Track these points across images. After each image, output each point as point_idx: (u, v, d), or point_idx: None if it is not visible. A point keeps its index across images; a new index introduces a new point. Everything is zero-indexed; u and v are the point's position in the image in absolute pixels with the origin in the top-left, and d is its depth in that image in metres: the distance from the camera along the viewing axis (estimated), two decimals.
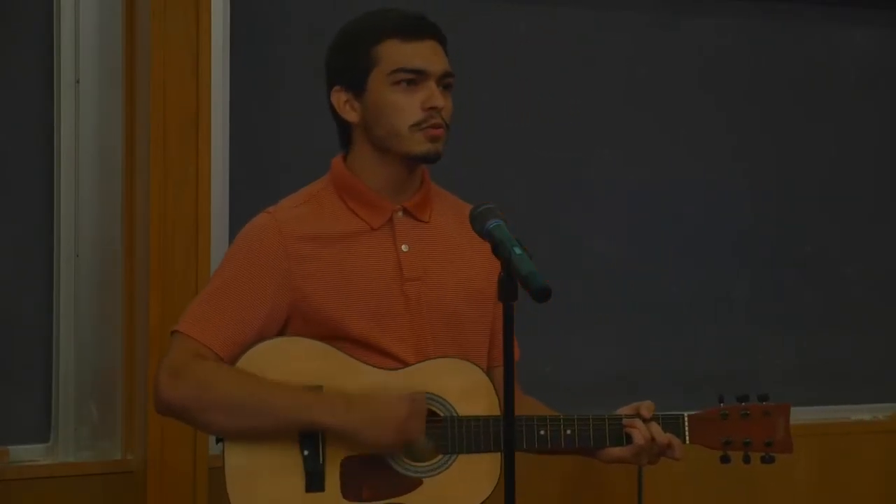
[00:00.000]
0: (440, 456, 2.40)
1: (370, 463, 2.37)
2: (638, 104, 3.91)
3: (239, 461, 2.36)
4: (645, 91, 3.91)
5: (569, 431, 2.44)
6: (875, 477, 4.07)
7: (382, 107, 2.44)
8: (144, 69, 3.29)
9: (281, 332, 2.45)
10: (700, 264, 3.99)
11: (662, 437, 2.45)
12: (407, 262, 2.46)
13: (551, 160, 3.82)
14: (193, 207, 3.29)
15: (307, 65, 3.50)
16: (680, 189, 3.96)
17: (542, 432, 2.43)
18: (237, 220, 3.36)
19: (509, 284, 2.14)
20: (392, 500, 2.38)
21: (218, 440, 2.41)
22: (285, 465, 2.36)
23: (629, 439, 2.45)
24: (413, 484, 2.39)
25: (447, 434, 2.39)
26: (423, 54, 2.44)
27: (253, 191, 3.46)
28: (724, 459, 2.51)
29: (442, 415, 2.40)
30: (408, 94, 2.43)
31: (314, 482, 2.36)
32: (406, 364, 2.42)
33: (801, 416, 2.56)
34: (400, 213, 2.49)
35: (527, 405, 2.58)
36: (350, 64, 2.46)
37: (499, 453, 2.37)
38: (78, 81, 3.36)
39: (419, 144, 2.43)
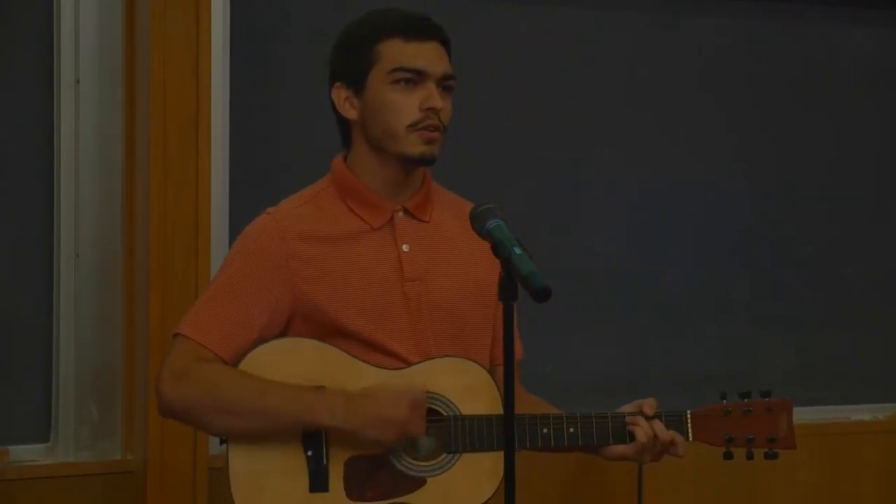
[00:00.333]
0: (443, 455, 2.40)
1: (374, 463, 2.37)
2: (638, 104, 3.91)
3: (242, 462, 2.36)
4: (645, 91, 3.91)
5: (572, 429, 2.44)
6: (875, 477, 4.07)
7: (381, 105, 2.44)
8: (144, 69, 3.29)
9: (282, 333, 2.45)
10: (700, 264, 3.99)
11: (665, 434, 2.45)
12: (408, 262, 2.46)
13: (551, 160, 3.82)
14: (193, 207, 3.29)
15: (307, 65, 3.51)
16: (680, 189, 3.96)
17: (545, 430, 2.43)
18: (237, 220, 3.36)
19: (509, 284, 2.14)
20: (396, 500, 2.38)
21: (222, 441, 2.41)
22: (289, 466, 2.36)
23: (632, 437, 2.45)
24: (417, 483, 2.38)
25: (450, 433, 2.39)
26: (425, 55, 2.44)
27: (253, 191, 3.46)
28: (727, 456, 2.50)
29: (445, 414, 2.40)
30: (406, 94, 2.43)
31: (318, 482, 2.36)
32: (408, 363, 2.42)
33: (801, 416, 2.55)
34: (400, 213, 2.49)
35: (531, 404, 2.58)
36: (351, 61, 2.46)
37: (502, 452, 2.37)
38: (78, 81, 3.36)
39: (414, 146, 2.43)
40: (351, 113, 2.48)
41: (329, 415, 2.34)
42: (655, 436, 2.44)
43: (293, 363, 2.39)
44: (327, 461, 2.36)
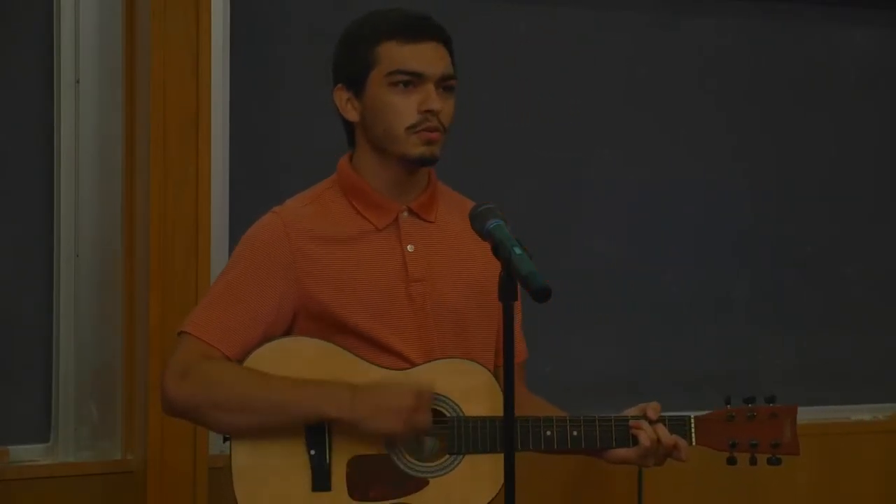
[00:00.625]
0: (446, 456, 2.40)
1: (377, 463, 2.37)
2: (638, 104, 3.91)
3: (245, 460, 2.36)
4: (645, 91, 3.92)
5: (575, 432, 2.44)
6: (875, 477, 4.07)
7: (380, 107, 2.44)
8: (144, 69, 3.29)
9: (287, 331, 2.45)
10: (700, 264, 3.99)
11: (668, 438, 2.44)
12: (412, 262, 2.46)
13: (551, 160, 3.82)
14: (193, 207, 3.29)
15: (307, 65, 3.51)
16: (680, 189, 3.96)
17: (548, 433, 2.43)
18: (237, 220, 3.37)
19: (509, 284, 2.14)
20: (398, 500, 2.37)
21: (225, 439, 2.41)
22: (292, 465, 2.36)
23: (635, 441, 2.45)
24: (419, 484, 2.38)
25: (453, 434, 2.39)
26: (422, 56, 2.43)
27: (253, 191, 3.46)
28: (731, 461, 2.50)
29: (448, 415, 2.40)
30: (405, 96, 2.43)
31: (320, 481, 2.36)
32: (412, 364, 2.42)
33: (801, 416, 2.55)
34: (405, 214, 2.49)
35: (535, 405, 2.58)
36: (351, 63, 2.46)
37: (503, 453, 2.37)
38: (78, 81, 3.36)
39: (414, 147, 2.43)
40: (352, 115, 2.48)
41: (335, 406, 2.34)
42: (659, 440, 2.44)
43: (296, 362, 2.39)
44: (330, 460, 2.36)
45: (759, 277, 4.06)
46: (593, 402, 3.15)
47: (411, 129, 2.42)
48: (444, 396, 2.40)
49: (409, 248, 2.47)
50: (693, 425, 2.49)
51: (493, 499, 2.40)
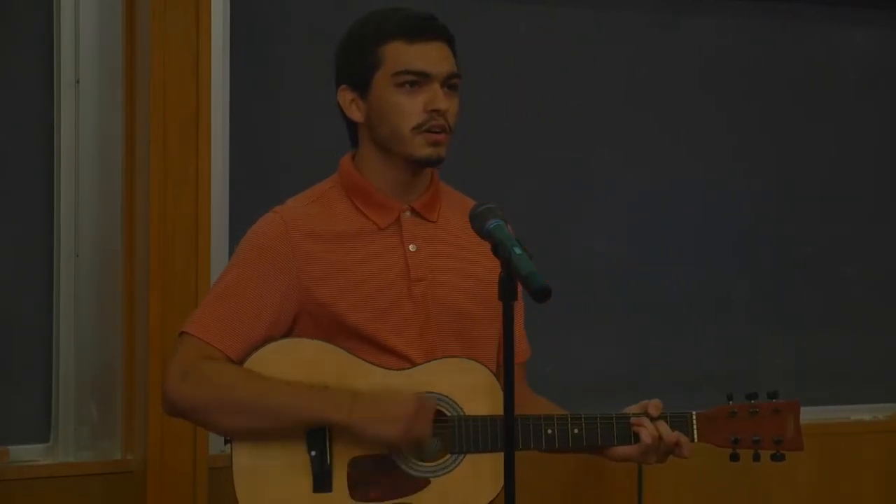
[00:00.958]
0: (447, 456, 2.39)
1: (378, 463, 2.37)
2: (638, 104, 3.91)
3: (246, 462, 2.36)
4: (645, 91, 3.92)
5: (576, 431, 2.44)
6: (875, 477, 4.07)
7: (385, 108, 2.44)
8: (144, 69, 3.29)
9: (289, 331, 2.44)
10: (700, 264, 3.99)
11: (670, 435, 2.44)
12: (414, 262, 2.46)
13: (551, 160, 3.82)
14: (193, 207, 3.29)
15: (307, 65, 3.51)
16: (680, 189, 3.97)
17: (549, 431, 2.42)
18: (237, 220, 3.37)
19: (509, 284, 2.14)
20: (400, 501, 2.37)
21: (226, 441, 2.41)
22: (293, 466, 2.36)
23: (636, 438, 2.45)
24: (420, 484, 2.38)
25: (454, 434, 2.39)
26: (428, 56, 2.43)
27: (253, 191, 3.46)
28: (733, 458, 2.49)
29: (449, 414, 2.40)
30: (411, 96, 2.42)
31: (322, 482, 2.36)
32: (414, 363, 2.42)
33: (801, 416, 2.55)
34: (408, 213, 2.48)
35: (537, 405, 2.58)
36: (355, 64, 2.46)
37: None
38: (78, 81, 3.36)
39: (420, 148, 2.43)
40: (357, 115, 2.48)
41: (335, 411, 2.33)
42: (660, 437, 2.44)
43: (297, 363, 2.38)
44: (331, 461, 2.36)
45: (759, 277, 4.06)
46: (593, 402, 3.14)
47: (417, 129, 2.42)
48: (444, 396, 2.40)
49: (412, 247, 2.47)
50: (695, 422, 2.48)
51: (494, 498, 2.40)
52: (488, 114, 3.68)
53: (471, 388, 2.41)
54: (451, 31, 2.48)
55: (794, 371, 4.04)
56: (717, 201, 4.01)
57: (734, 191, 4.03)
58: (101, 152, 3.39)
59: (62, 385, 3.37)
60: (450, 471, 2.39)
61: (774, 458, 2.49)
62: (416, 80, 2.42)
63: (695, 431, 2.48)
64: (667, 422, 2.46)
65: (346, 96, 2.49)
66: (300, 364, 2.38)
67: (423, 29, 2.44)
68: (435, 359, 2.43)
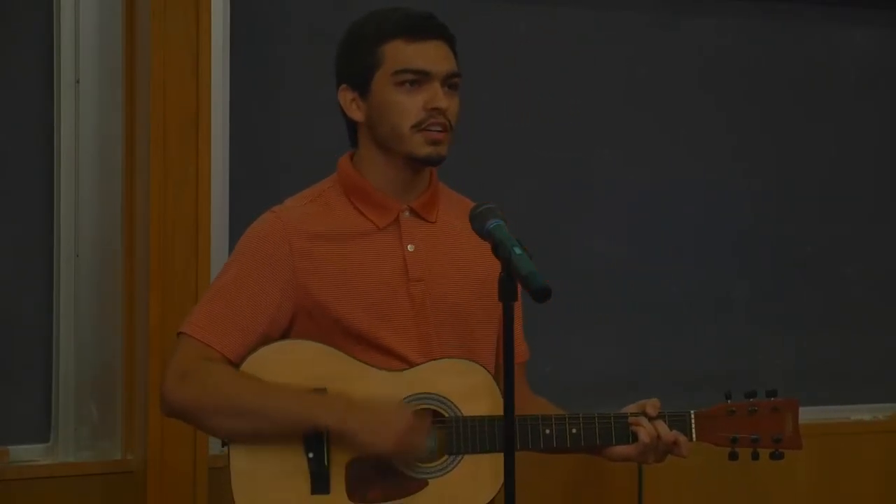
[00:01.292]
0: (445, 457, 2.39)
1: (375, 465, 2.36)
2: (638, 104, 3.91)
3: (244, 464, 2.36)
4: (645, 91, 3.92)
5: (574, 430, 2.44)
6: (875, 477, 4.07)
7: (385, 107, 2.44)
8: (144, 69, 3.29)
9: (287, 332, 2.44)
10: (700, 264, 3.99)
11: (668, 434, 2.44)
12: (413, 262, 2.46)
13: (551, 160, 3.82)
14: (193, 207, 3.29)
15: (307, 65, 3.51)
16: (680, 189, 3.96)
17: (547, 432, 2.42)
18: (237, 220, 3.37)
19: (509, 284, 2.14)
20: (398, 502, 2.37)
21: (223, 444, 2.40)
22: (290, 468, 2.35)
23: (635, 437, 2.45)
24: (418, 485, 2.38)
25: (452, 435, 2.39)
26: (428, 55, 2.43)
27: (253, 191, 3.46)
28: (732, 456, 2.49)
29: (447, 415, 2.40)
30: (411, 95, 2.42)
31: (319, 484, 2.35)
32: (412, 364, 2.42)
33: (801, 416, 2.55)
34: (406, 213, 2.48)
35: (536, 405, 2.58)
36: (355, 63, 2.46)
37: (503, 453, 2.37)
38: (78, 81, 3.36)
39: (420, 147, 2.43)
40: (357, 114, 2.48)
41: (328, 416, 2.33)
42: (659, 436, 2.44)
43: (295, 365, 2.38)
44: (329, 463, 2.36)
45: (759, 277, 4.06)
46: (593, 402, 3.15)
47: (417, 127, 2.42)
48: (442, 397, 2.40)
49: (410, 247, 2.47)
50: (693, 421, 2.48)
51: (492, 499, 2.40)
52: (488, 114, 3.68)
53: (469, 389, 2.41)
54: (451, 30, 2.48)
55: (794, 371, 4.04)
56: (717, 201, 4.01)
57: (734, 191, 4.03)
58: (101, 152, 3.39)
59: (62, 385, 3.37)
60: (448, 472, 2.39)
61: (773, 456, 2.49)
62: (417, 78, 2.42)
63: (693, 430, 2.48)
64: (665, 421, 2.46)
65: (346, 96, 2.49)
66: (298, 365, 2.38)
67: (423, 28, 2.44)
68: (432, 360, 2.43)
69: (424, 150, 2.43)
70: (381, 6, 2.50)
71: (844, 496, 4.03)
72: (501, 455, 2.28)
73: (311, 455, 2.35)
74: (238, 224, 3.17)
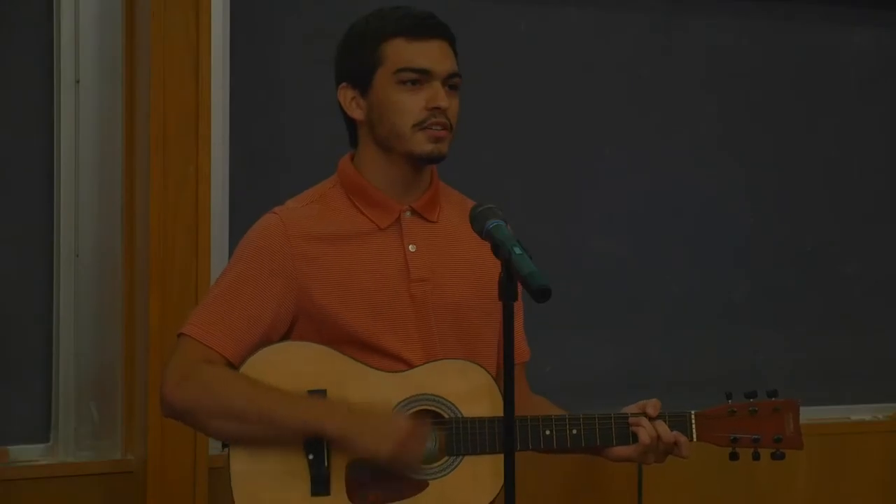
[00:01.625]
0: (446, 458, 2.39)
1: (375, 466, 2.36)
2: (639, 104, 3.91)
3: (244, 466, 2.36)
4: (646, 91, 3.91)
5: (574, 431, 2.43)
6: (875, 477, 4.07)
7: (386, 105, 2.43)
8: (144, 69, 3.29)
9: (288, 333, 2.44)
10: (700, 264, 3.99)
11: (669, 435, 2.44)
12: (414, 262, 2.46)
13: (551, 160, 3.82)
14: (193, 207, 3.29)
15: (307, 65, 3.51)
16: (680, 189, 3.96)
17: (547, 432, 2.42)
18: (237, 220, 3.37)
19: (509, 284, 2.14)
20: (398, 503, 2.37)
21: (224, 445, 2.40)
22: (290, 470, 2.35)
23: (635, 438, 2.45)
24: (419, 486, 2.38)
25: (452, 436, 2.39)
26: (429, 54, 2.43)
27: (253, 191, 3.46)
28: (733, 457, 2.49)
29: (447, 417, 2.40)
30: (412, 94, 2.42)
31: (319, 486, 2.35)
32: (412, 365, 2.41)
33: (801, 416, 2.55)
34: (408, 213, 2.48)
35: (536, 405, 2.58)
36: (356, 62, 2.46)
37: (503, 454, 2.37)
38: (78, 81, 3.35)
39: (421, 145, 2.43)
40: (357, 113, 2.48)
41: (328, 421, 2.33)
42: (659, 437, 2.44)
43: (295, 366, 2.38)
44: (329, 465, 2.35)
45: (759, 277, 4.05)
46: (593, 403, 3.14)
47: (418, 126, 2.42)
48: (442, 398, 2.40)
49: (411, 247, 2.47)
50: (693, 421, 2.48)
51: (493, 500, 2.40)
52: (488, 113, 3.67)
53: (469, 390, 2.41)
54: (451, 30, 2.48)
55: (794, 371, 4.04)
56: (717, 201, 4.00)
57: (735, 191, 4.02)
58: (101, 152, 3.38)
59: (62, 385, 3.37)
60: (448, 473, 2.39)
61: (774, 456, 2.49)
62: (418, 77, 2.42)
63: (693, 431, 2.48)
64: (665, 421, 2.46)
65: (346, 94, 2.48)
66: (298, 366, 2.38)
67: (424, 27, 2.44)
68: (433, 360, 2.42)
69: (425, 148, 2.43)
70: (384, 5, 2.50)
71: (845, 496, 4.02)
72: (502, 456, 2.28)
73: (311, 456, 2.35)
74: (238, 224, 3.17)
